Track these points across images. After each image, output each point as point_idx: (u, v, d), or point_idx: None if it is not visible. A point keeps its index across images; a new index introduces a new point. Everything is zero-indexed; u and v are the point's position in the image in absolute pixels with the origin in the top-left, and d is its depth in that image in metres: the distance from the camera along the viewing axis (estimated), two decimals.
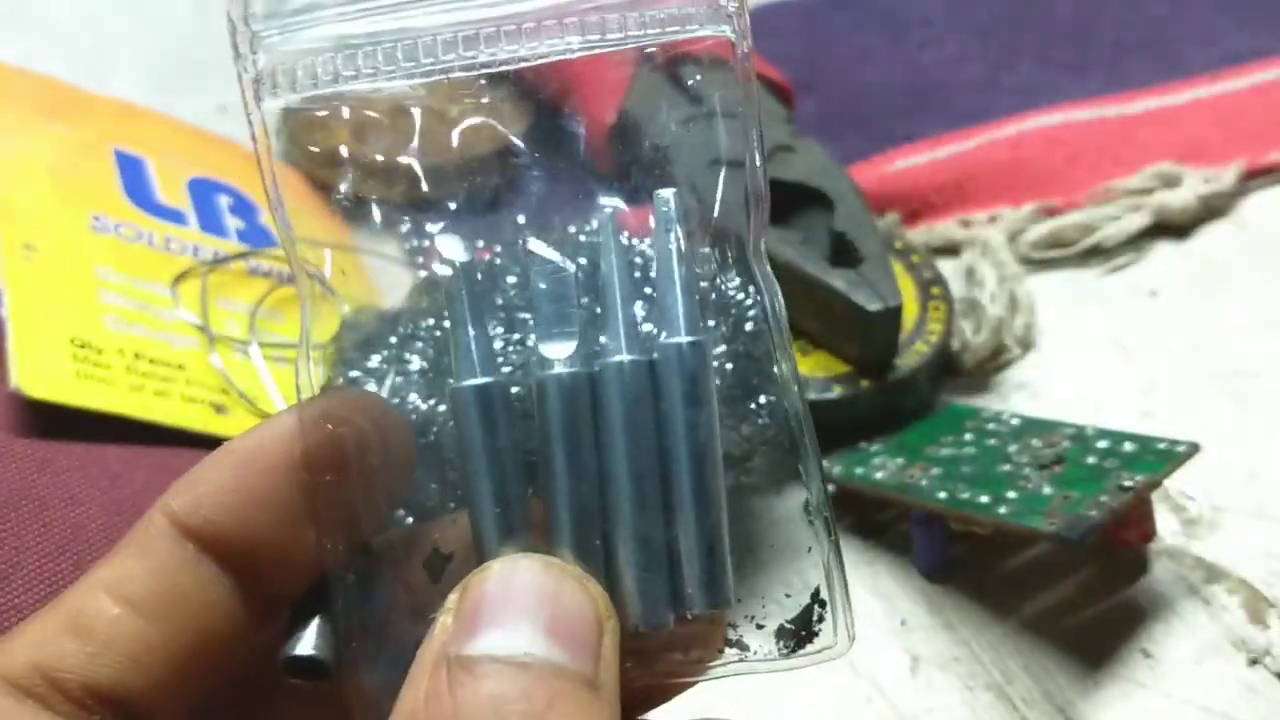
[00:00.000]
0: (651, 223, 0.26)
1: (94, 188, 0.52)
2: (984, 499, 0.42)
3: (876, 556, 0.46)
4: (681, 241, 0.25)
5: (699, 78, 0.67)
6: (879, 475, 0.45)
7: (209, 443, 0.43)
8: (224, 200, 0.56)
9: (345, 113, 0.26)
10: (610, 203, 0.27)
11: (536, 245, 0.26)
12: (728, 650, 0.26)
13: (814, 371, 0.50)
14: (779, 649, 0.26)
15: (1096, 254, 0.59)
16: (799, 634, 0.26)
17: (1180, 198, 0.59)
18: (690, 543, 0.25)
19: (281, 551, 0.25)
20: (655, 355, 0.25)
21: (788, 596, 0.26)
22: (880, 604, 0.44)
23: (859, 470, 0.46)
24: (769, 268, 0.28)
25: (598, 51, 0.26)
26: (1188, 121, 0.64)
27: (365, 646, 0.25)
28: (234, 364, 0.48)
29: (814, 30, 0.77)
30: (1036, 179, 0.61)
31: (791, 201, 0.55)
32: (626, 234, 0.38)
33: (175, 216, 0.54)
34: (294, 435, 0.25)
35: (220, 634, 0.25)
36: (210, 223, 0.54)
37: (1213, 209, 0.60)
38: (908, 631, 0.43)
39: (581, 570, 0.24)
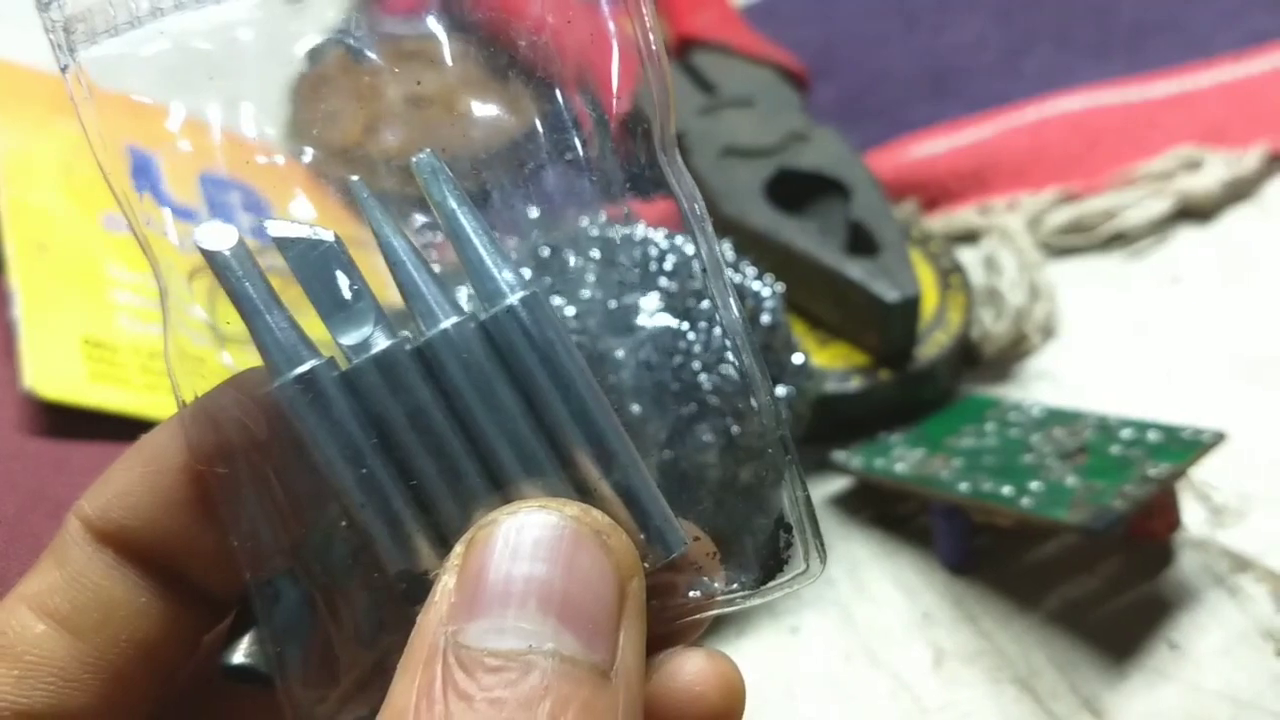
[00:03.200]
0: (429, 192, 0.23)
1: (105, 186, 0.52)
2: (1006, 490, 0.41)
3: (898, 549, 0.45)
4: (463, 199, 0.23)
5: (712, 67, 0.66)
6: (899, 467, 0.45)
7: None
8: (236, 197, 0.56)
9: (167, 49, 0.24)
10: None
11: (276, 226, 0.24)
12: (691, 594, 0.23)
13: (833, 363, 0.49)
14: (747, 581, 0.24)
15: (1118, 240, 0.58)
16: (768, 563, 0.24)
17: (1203, 182, 0.58)
18: (615, 501, 0.22)
19: (210, 553, 0.23)
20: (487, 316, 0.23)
21: (757, 532, 0.25)
22: (903, 597, 0.44)
23: (879, 462, 0.46)
24: (681, 161, 0.26)
25: None
26: (1210, 104, 0.63)
27: (295, 650, 0.22)
28: (245, 363, 0.48)
29: (829, 16, 0.76)
30: (1057, 164, 0.61)
31: (808, 190, 0.54)
32: (644, 225, 0.38)
33: (187, 214, 0.53)
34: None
35: (160, 642, 0.23)
36: (222, 220, 0.54)
37: (1236, 193, 0.59)
38: (931, 625, 0.42)
39: (603, 517, 0.21)
